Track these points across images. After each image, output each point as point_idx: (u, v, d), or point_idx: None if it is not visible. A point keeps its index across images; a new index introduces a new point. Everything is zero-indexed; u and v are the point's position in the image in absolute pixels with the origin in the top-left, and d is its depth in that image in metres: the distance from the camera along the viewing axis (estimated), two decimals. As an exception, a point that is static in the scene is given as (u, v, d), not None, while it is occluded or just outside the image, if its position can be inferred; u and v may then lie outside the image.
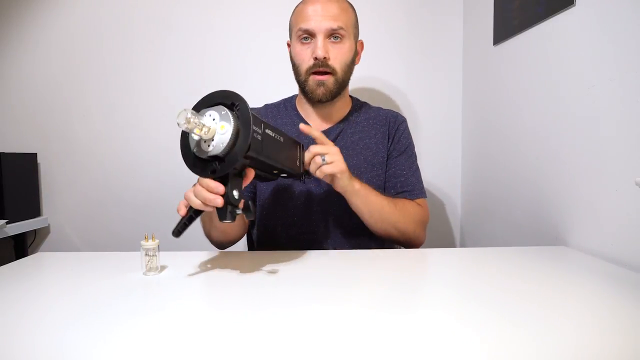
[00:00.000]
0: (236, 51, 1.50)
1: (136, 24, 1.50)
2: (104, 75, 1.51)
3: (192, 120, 0.59)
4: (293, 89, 1.13)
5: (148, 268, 0.71)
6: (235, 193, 0.64)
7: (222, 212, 0.64)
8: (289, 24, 1.01)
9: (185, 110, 0.59)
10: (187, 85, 1.50)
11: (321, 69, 0.93)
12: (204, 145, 0.62)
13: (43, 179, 1.55)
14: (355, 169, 0.99)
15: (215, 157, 0.62)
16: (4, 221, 1.31)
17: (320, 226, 0.98)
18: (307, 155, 0.80)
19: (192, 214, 0.71)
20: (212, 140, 0.61)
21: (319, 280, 0.70)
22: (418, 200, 1.01)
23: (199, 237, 1.01)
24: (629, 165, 0.74)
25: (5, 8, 1.50)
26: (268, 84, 1.49)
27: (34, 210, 1.50)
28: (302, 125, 0.82)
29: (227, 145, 0.61)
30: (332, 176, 0.82)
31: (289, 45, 1.03)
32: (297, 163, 0.79)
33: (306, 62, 0.94)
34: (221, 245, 0.98)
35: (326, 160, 0.79)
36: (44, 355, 0.44)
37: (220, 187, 0.63)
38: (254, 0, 1.48)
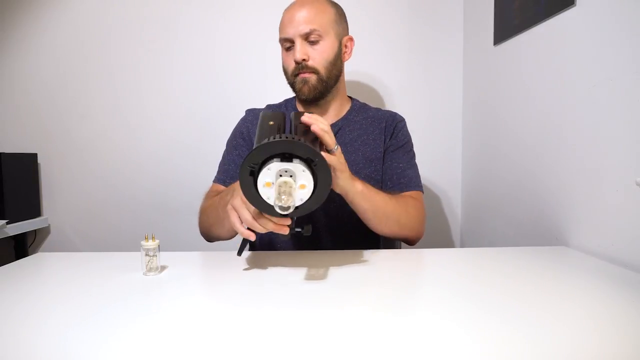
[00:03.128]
0: (239, 50, 1.49)
1: (137, 23, 1.50)
2: (105, 75, 1.51)
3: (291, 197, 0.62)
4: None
5: (148, 268, 0.71)
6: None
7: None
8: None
9: (288, 188, 0.61)
10: (188, 85, 1.50)
11: (303, 71, 0.97)
12: (276, 202, 0.62)
13: (43, 179, 1.55)
14: (354, 165, 0.99)
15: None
16: (4, 221, 1.31)
17: (322, 228, 0.99)
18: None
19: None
20: (291, 195, 0.62)
21: (319, 280, 0.70)
22: (413, 193, 1.00)
23: (199, 237, 1.01)
24: (629, 165, 0.74)
25: (6, 8, 1.50)
26: (270, 83, 1.48)
27: (34, 210, 1.50)
28: (306, 116, 0.73)
29: (305, 201, 0.64)
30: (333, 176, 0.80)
31: None
32: None
33: (291, 67, 0.99)
34: (216, 239, 0.97)
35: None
36: (44, 355, 0.44)
37: (288, 220, 0.69)
38: (256, 1, 1.48)
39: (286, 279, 0.70)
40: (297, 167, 0.62)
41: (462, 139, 1.51)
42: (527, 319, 0.51)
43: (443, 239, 1.54)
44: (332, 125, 1.03)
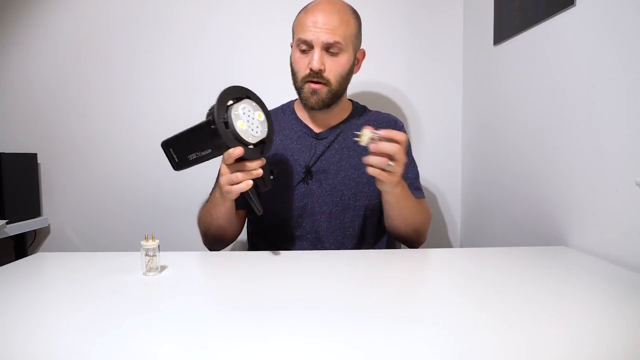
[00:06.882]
0: (236, 51, 1.49)
1: (136, 23, 1.50)
2: (104, 75, 1.51)
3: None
4: (292, 91, 1.13)
5: (148, 268, 0.71)
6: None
7: (267, 181, 0.80)
8: (292, 28, 1.01)
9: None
10: (186, 84, 1.50)
11: (315, 79, 0.94)
12: (252, 133, 0.75)
13: (43, 179, 1.54)
14: (356, 170, 1.00)
15: (259, 141, 0.78)
16: (4, 221, 1.31)
17: (323, 226, 0.99)
18: (372, 159, 0.76)
19: (250, 193, 0.80)
20: (258, 127, 0.76)
21: (319, 280, 0.70)
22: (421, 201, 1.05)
23: (199, 237, 1.01)
24: (629, 165, 0.74)
25: (5, 9, 1.50)
26: (267, 84, 1.48)
27: (34, 210, 1.50)
28: (365, 129, 0.78)
29: (268, 129, 0.78)
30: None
31: (292, 46, 1.04)
32: None
33: (302, 71, 0.96)
34: (216, 244, 0.98)
35: (391, 168, 0.76)
36: (43, 355, 0.44)
37: (264, 161, 0.78)
38: (254, 0, 1.48)
39: (287, 279, 0.70)
40: (248, 102, 0.77)
41: (462, 138, 1.51)
42: (527, 318, 0.51)
43: (443, 239, 1.55)
44: (334, 129, 1.03)
